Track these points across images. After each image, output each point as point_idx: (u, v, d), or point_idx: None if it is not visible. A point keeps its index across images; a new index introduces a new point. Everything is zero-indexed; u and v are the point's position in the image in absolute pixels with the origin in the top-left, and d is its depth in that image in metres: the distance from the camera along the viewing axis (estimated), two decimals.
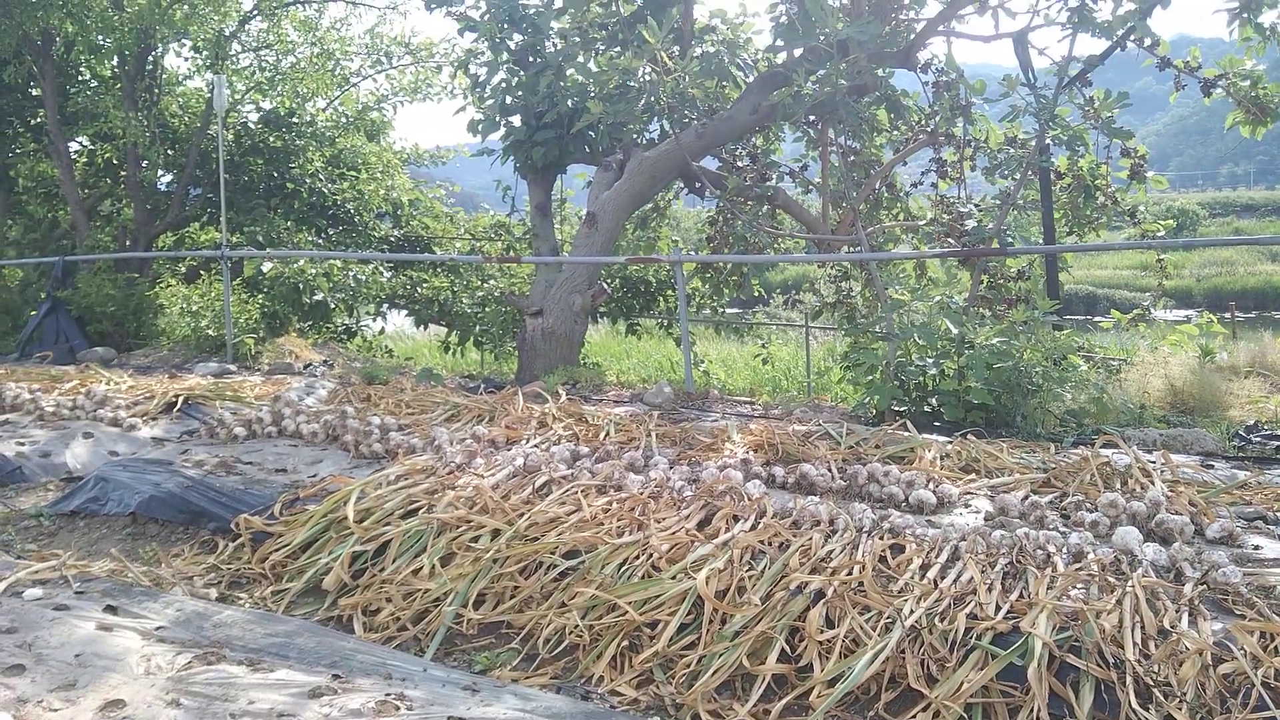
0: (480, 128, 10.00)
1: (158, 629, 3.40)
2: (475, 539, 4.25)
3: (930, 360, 6.64)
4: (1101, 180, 8.66)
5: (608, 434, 5.70)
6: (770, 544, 3.86)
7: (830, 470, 4.85)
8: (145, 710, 2.81)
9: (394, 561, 4.22)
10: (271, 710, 2.79)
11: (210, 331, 10.90)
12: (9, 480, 6.18)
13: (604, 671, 3.43)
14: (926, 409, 6.59)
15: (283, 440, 5.99)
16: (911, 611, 3.25)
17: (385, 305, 13.22)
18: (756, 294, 12.12)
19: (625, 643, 3.53)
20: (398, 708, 2.82)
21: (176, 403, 7.30)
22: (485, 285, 12.51)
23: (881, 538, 3.82)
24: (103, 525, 5.25)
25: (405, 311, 13.45)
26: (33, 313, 12.13)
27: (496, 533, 4.24)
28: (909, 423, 5.86)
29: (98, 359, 9.88)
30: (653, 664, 3.41)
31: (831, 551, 3.75)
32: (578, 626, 3.61)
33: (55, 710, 2.83)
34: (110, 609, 3.57)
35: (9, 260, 13.68)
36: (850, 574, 3.54)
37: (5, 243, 14.10)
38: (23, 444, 6.59)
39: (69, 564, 4.04)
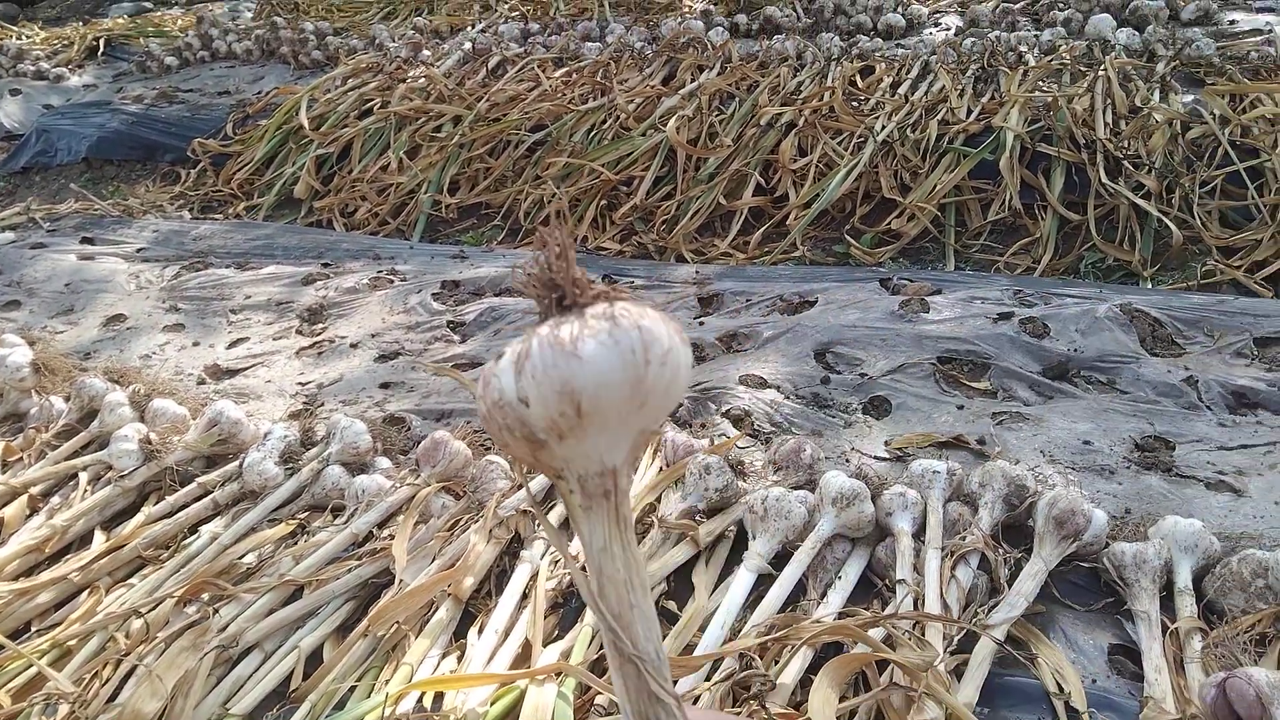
0: None
1: (139, 251, 3.41)
2: (437, 128, 4.14)
3: None
4: None
5: (557, 8, 5.36)
6: (739, 87, 3.75)
7: (795, 9, 4.62)
8: (147, 319, 2.88)
9: (360, 161, 4.14)
10: (270, 300, 2.87)
11: None
12: None
13: (587, 232, 3.49)
14: None
15: (218, 64, 5.65)
16: (884, 127, 3.23)
17: None
18: None
19: (604, 203, 3.55)
20: (391, 280, 2.89)
21: (98, 46, 6.81)
22: None
23: (851, 63, 3.70)
24: (58, 176, 5.10)
25: None
26: None
27: (458, 119, 4.12)
28: None
29: None
30: (632, 218, 3.46)
31: (801, 83, 3.66)
32: (554, 195, 3.61)
33: (60, 332, 2.90)
34: (87, 240, 3.56)
35: None
36: (821, 100, 3.48)
37: None
38: None
39: (35, 208, 3.97)
